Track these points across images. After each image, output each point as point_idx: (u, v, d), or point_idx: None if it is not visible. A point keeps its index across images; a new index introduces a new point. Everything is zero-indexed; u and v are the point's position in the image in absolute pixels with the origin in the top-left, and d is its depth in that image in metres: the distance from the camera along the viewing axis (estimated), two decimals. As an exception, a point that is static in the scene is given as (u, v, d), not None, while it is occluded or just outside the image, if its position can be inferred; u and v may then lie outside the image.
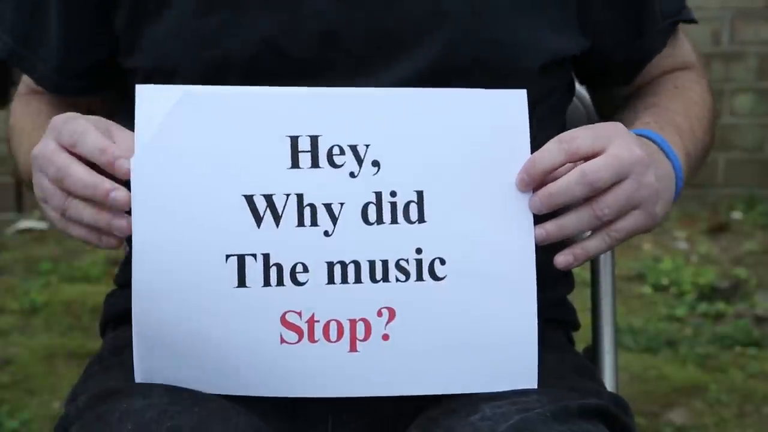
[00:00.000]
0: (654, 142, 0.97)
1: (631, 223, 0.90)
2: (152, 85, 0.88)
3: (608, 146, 0.88)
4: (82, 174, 0.87)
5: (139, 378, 0.91)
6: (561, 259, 0.90)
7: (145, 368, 0.90)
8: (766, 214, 3.74)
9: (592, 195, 0.87)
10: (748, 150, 3.89)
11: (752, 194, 3.83)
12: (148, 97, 0.87)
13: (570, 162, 0.88)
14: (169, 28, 1.02)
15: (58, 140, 0.90)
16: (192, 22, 1.01)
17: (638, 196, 0.89)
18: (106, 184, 0.86)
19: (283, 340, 0.85)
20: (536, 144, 0.90)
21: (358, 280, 0.84)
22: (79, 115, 0.93)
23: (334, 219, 0.84)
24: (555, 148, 0.88)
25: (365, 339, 0.85)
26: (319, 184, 0.84)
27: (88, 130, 0.89)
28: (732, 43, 3.82)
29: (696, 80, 1.12)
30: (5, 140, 1.28)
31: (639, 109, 1.07)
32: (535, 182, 0.88)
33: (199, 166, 0.85)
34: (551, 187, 0.87)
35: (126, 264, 1.15)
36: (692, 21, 1.13)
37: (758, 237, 3.56)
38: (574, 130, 0.90)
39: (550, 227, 0.89)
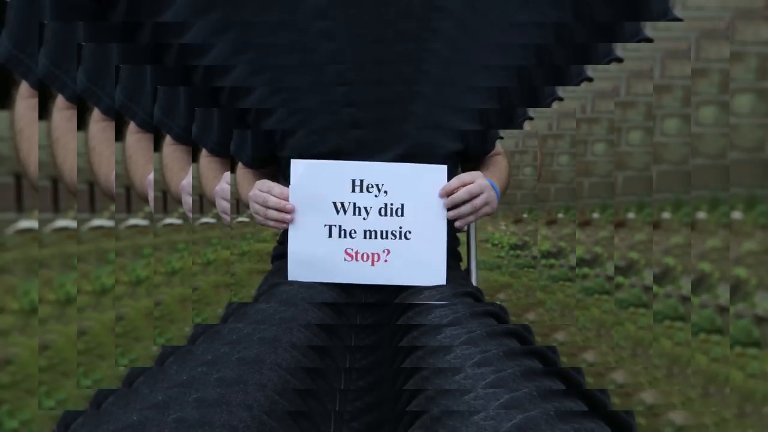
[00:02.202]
0: (491, 183, 1.77)
1: (485, 210, 1.73)
2: (300, 160, 1.70)
3: (476, 179, 1.71)
4: (277, 200, 1.65)
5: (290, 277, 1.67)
6: (458, 224, 1.70)
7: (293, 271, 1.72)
8: (766, 214, 3.75)
9: (469, 199, 1.69)
10: (748, 150, 3.89)
11: (752, 194, 3.84)
12: (296, 167, 1.70)
13: (461, 186, 1.70)
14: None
15: (256, 187, 1.66)
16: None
17: (487, 198, 1.72)
18: (288, 206, 1.65)
19: (345, 260, 1.71)
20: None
21: (375, 237, 1.72)
22: (264, 180, 1.66)
23: (368, 213, 1.72)
24: (457, 181, 1.70)
25: (377, 261, 1.72)
26: (363, 199, 1.73)
27: (273, 186, 1.65)
28: (732, 43, 3.83)
29: (503, 159, 2.00)
30: (5, 140, 1.28)
31: (485, 169, 1.94)
32: (447, 195, 1.68)
33: (316, 192, 1.74)
34: (454, 198, 1.69)
35: (280, 244, 1.90)
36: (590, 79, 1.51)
37: (758, 237, 3.57)
38: (463, 174, 1.71)
39: (453, 213, 1.70)
